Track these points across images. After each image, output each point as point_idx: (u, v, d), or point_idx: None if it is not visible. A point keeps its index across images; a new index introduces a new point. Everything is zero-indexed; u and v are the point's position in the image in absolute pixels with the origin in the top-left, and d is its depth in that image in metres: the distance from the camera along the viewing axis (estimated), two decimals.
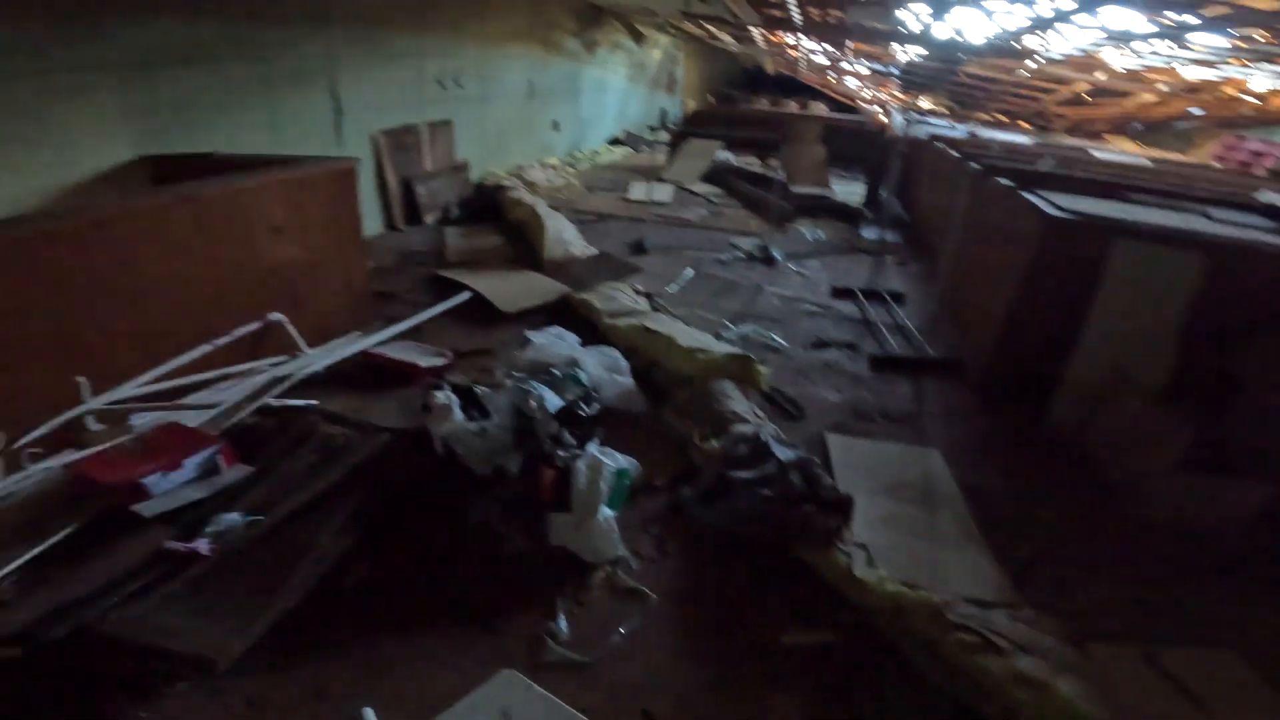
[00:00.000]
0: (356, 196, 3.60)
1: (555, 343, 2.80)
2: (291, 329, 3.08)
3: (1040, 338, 3.21)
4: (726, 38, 12.32)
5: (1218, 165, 10.34)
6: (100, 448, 2.25)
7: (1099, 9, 4.85)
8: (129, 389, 2.49)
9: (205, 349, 2.72)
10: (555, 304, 4.05)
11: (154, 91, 3.66)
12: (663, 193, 7.23)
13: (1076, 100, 12.39)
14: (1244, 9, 3.95)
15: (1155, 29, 5.30)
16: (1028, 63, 9.94)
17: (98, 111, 3.39)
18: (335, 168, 3.51)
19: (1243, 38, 4.98)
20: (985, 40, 7.89)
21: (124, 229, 2.48)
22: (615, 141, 11.18)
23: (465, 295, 3.99)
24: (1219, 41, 5.42)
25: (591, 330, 3.55)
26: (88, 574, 1.79)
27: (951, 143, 5.90)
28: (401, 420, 2.69)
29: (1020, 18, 5.73)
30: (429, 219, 5.93)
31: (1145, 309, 3.02)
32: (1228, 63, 6.41)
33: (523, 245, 5.10)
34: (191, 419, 2.47)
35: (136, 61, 3.54)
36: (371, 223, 5.58)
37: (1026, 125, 13.71)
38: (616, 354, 2.93)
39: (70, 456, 2.20)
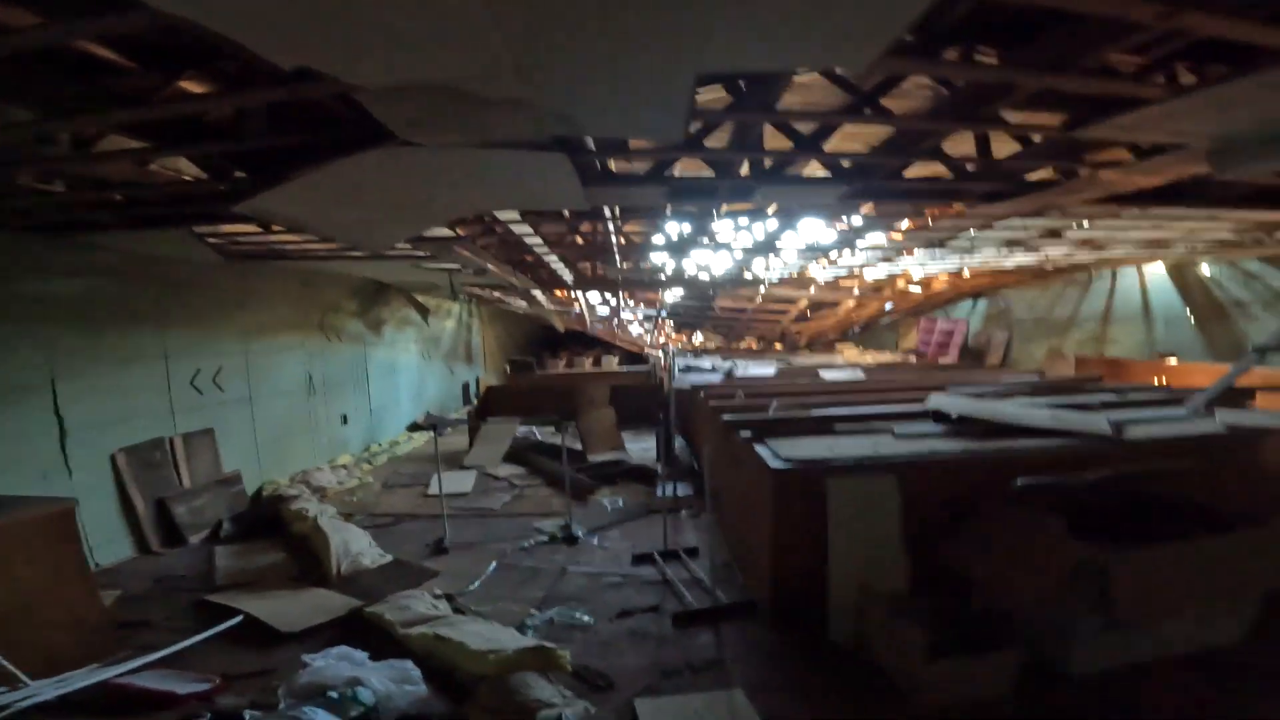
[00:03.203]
0: (78, 536, 3.75)
1: (335, 665, 2.98)
2: (8, 664, 3.06)
3: (802, 567, 3.95)
4: (516, 301, 13.64)
5: (914, 359, 13.53)
6: None
7: (798, 222, 6.54)
8: None
9: None
10: (348, 619, 4.17)
11: None
12: (463, 483, 7.70)
13: (805, 317, 15.69)
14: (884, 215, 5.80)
15: (835, 237, 7.08)
16: (761, 288, 12.61)
17: None
18: (45, 512, 3.62)
19: (888, 235, 6.97)
20: (723, 272, 9.97)
21: None
22: (415, 427, 11.60)
23: (237, 618, 4.06)
24: (878, 239, 7.12)
25: (387, 643, 3.71)
26: None
27: (709, 393, 7.29)
28: None
29: (743, 243, 7.49)
30: (194, 539, 5.83)
31: (868, 529, 3.92)
32: (887, 260, 8.83)
33: (309, 560, 5.18)
34: None
35: None
36: (118, 548, 5.42)
37: (780, 346, 16.83)
38: (407, 664, 3.18)
39: None
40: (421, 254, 6.47)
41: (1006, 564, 3.56)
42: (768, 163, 4.03)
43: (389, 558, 5.22)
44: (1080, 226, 6.13)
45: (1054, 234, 6.58)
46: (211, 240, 5.74)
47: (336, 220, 4.23)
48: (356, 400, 9.75)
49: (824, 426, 4.98)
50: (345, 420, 9.33)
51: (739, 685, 3.42)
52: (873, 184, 4.05)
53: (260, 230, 5.39)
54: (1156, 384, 8.09)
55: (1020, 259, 8.99)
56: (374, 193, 3.61)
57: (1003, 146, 3.87)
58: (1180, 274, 10.32)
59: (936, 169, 4.26)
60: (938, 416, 5.11)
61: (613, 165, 5.00)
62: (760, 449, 4.39)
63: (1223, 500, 3.76)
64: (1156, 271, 10.70)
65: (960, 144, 4.07)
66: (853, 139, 4.85)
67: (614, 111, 2.50)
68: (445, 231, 5.64)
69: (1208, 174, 3.89)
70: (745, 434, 4.78)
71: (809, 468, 4.04)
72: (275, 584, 4.76)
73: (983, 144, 3.77)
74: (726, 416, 5.20)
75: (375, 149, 2.82)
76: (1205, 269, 9.81)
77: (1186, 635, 3.43)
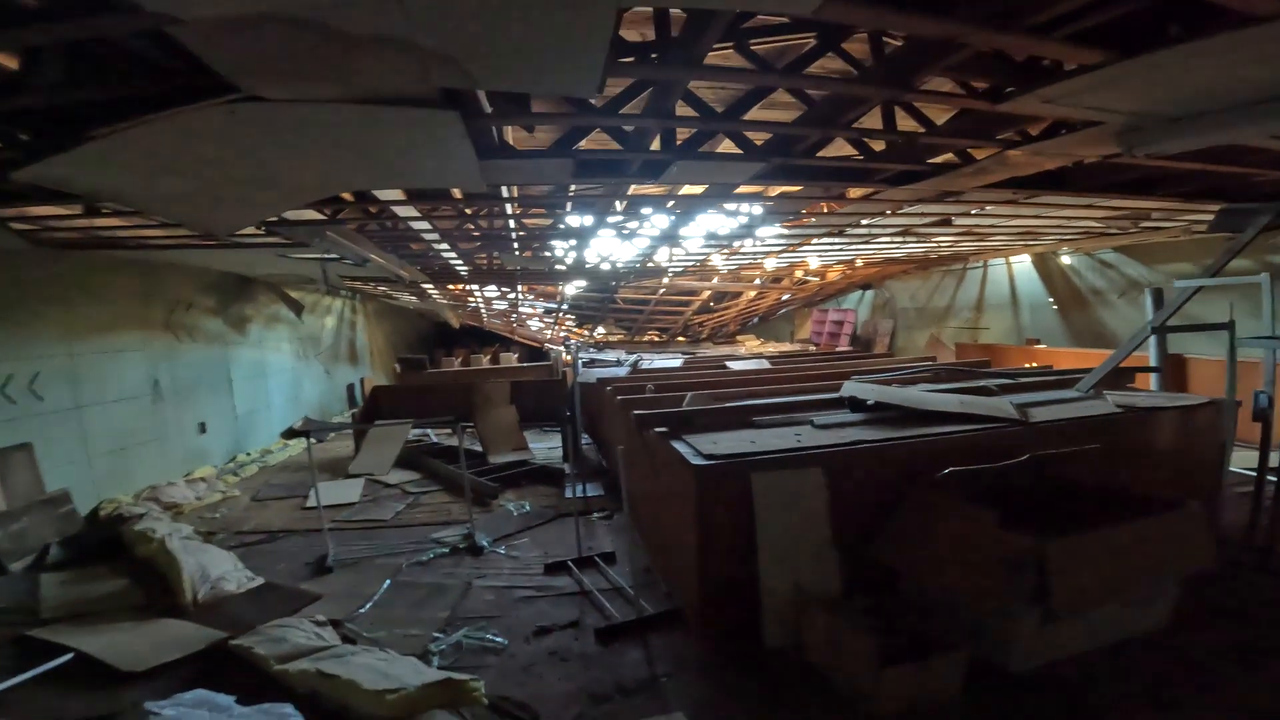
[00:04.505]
0: None
1: (191, 713, 2.47)
2: None
3: (731, 569, 3.70)
4: (405, 296, 12.76)
5: (813, 347, 14.05)
6: None
7: (697, 214, 6.37)
8: None
9: None
10: (208, 654, 3.68)
11: None
12: (349, 492, 7.04)
13: (707, 309, 15.87)
14: (784, 198, 5.67)
15: (735, 226, 6.99)
16: (664, 280, 12.53)
17: None
18: None
19: (791, 224, 6.91)
20: (626, 262, 9.72)
21: None
22: (292, 433, 10.60)
23: (67, 656, 3.64)
24: (778, 229, 7.14)
25: (259, 683, 3.23)
26: None
27: (617, 388, 6.98)
28: None
29: (649, 232, 7.24)
30: (15, 567, 5.07)
31: (797, 525, 3.74)
32: (789, 249, 8.90)
33: (158, 586, 4.47)
34: None
35: None
36: None
37: (683, 339, 16.95)
38: (286, 709, 2.75)
39: None
40: (286, 241, 5.71)
41: (941, 559, 3.47)
42: (681, 138, 3.75)
43: (259, 580, 4.64)
44: (970, 214, 6.31)
45: (945, 222, 6.77)
46: (17, 226, 4.80)
47: (161, 194, 3.48)
48: (218, 406, 8.79)
49: (742, 418, 4.81)
50: (203, 429, 8.37)
51: (678, 708, 3.14)
52: (789, 161, 3.86)
53: (81, 213, 4.54)
54: (1029, 367, 8.59)
55: (912, 249, 9.31)
56: (211, 161, 2.95)
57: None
58: (1044, 263, 11.11)
59: (849, 151, 4.15)
60: (853, 404, 5.06)
61: (512, 141, 4.56)
62: (679, 445, 4.13)
63: (1121, 480, 3.87)
64: (1022, 261, 11.49)
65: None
66: None
67: (517, 54, 2.07)
68: (315, 214, 4.97)
69: (1095, 160, 4.01)
70: (660, 430, 4.51)
71: (732, 463, 3.82)
72: (116, 615, 4.14)
73: (889, 121, 3.63)
74: (639, 412, 4.90)
75: (209, 104, 2.25)
76: (1066, 259, 10.60)
77: (1119, 623, 3.45)
